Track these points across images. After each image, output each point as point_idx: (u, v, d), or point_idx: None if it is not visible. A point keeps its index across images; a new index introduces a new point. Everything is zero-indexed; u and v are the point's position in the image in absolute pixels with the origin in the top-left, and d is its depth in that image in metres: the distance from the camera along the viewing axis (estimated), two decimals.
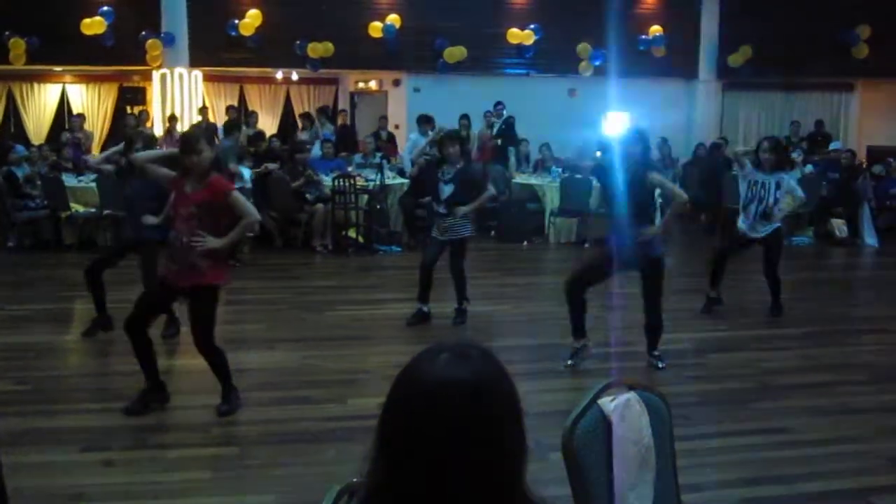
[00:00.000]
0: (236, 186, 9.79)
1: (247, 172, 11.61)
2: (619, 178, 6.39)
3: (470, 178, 7.88)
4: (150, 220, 7.12)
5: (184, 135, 5.69)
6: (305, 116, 15.98)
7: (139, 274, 7.43)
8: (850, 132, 17.74)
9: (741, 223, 8.19)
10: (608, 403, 2.50)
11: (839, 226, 13.02)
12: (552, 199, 12.90)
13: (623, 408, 2.50)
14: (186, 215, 5.35)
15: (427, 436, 1.45)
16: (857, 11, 16.46)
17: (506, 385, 1.53)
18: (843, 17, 16.48)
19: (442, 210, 7.81)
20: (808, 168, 14.38)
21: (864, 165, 15.08)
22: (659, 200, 7.67)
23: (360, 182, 12.08)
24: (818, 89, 18.15)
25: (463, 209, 7.67)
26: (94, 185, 11.51)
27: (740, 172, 8.25)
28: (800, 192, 8.22)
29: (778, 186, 7.98)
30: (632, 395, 2.56)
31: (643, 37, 17.14)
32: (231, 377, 5.62)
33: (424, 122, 13.83)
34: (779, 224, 8.16)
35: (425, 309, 7.97)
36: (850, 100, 18.05)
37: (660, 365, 6.64)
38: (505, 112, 15.02)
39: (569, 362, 6.66)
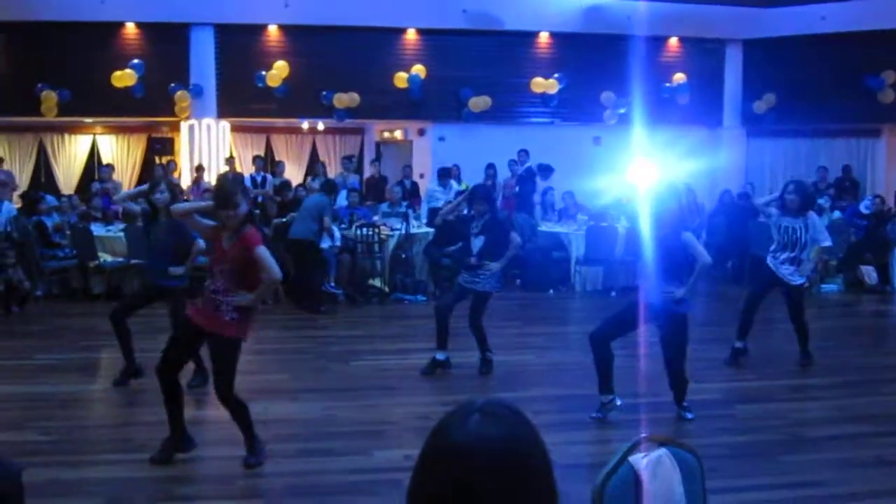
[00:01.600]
0: (324, 245, 9.86)
1: (337, 232, 11.69)
2: (653, 233, 6.35)
3: (497, 227, 7.87)
4: (177, 271, 7.15)
5: (220, 188, 5.61)
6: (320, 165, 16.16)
7: (169, 322, 7.41)
8: (878, 177, 17.61)
9: (769, 261, 8.10)
10: (639, 460, 2.45)
11: (869, 272, 12.87)
12: (578, 248, 12.86)
13: (655, 465, 2.45)
14: (220, 270, 5.36)
15: (464, 497, 1.45)
16: (881, 56, 16.42)
17: (538, 442, 1.55)
18: (868, 63, 16.44)
19: (474, 262, 7.78)
20: (836, 214, 14.27)
21: (893, 211, 14.93)
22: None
23: (384, 231, 12.11)
24: (844, 135, 18.08)
25: (495, 265, 7.66)
26: (122, 234, 11.63)
27: (770, 221, 8.19)
28: (826, 240, 8.11)
29: (806, 229, 7.91)
30: (663, 451, 2.51)
31: (667, 84, 17.19)
32: (254, 428, 5.55)
33: (444, 174, 13.91)
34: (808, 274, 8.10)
35: (440, 357, 7.90)
36: (876, 145, 17.94)
37: (688, 416, 6.54)
38: (528, 160, 15.04)
39: (596, 415, 6.58)
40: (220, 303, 5.30)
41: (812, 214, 8.08)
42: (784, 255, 7.96)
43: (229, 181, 5.92)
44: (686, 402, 6.61)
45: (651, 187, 6.75)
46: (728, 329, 9.38)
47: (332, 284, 11.68)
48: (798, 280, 8.00)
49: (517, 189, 15.01)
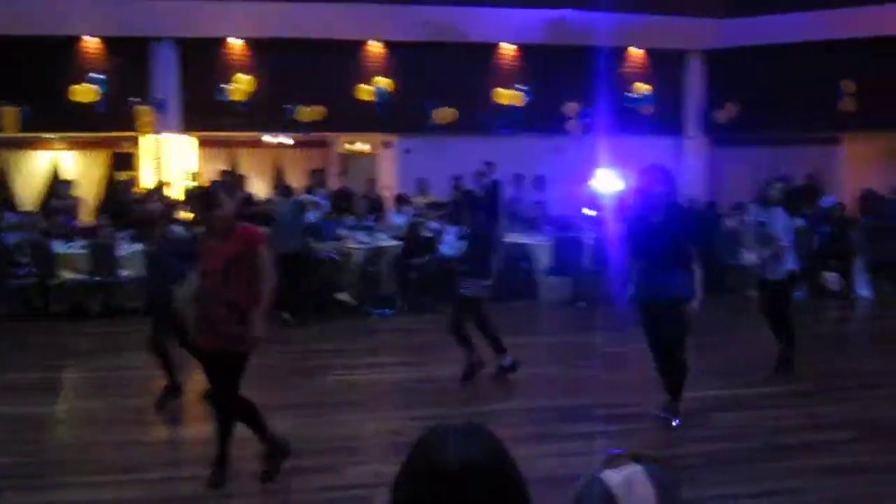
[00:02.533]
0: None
1: None
2: (646, 221, 6.31)
3: (479, 239, 7.93)
4: (182, 293, 6.97)
5: (202, 192, 5.65)
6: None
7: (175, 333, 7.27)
8: (839, 185, 17.81)
9: (758, 266, 8.09)
10: (613, 476, 2.40)
11: (832, 279, 12.99)
12: (543, 259, 12.86)
13: (628, 482, 2.40)
14: (213, 271, 5.24)
15: None
16: (841, 66, 16.64)
17: (512, 459, 1.60)
18: (828, 73, 16.66)
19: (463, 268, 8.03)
20: (799, 221, 14.39)
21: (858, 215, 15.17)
22: None
23: (350, 245, 12.04)
24: (805, 143, 18.28)
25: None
26: (84, 251, 11.44)
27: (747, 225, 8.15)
28: (785, 240, 8.04)
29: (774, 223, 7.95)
30: (637, 467, 2.46)
31: (630, 95, 17.30)
32: (267, 428, 5.45)
33: (400, 201, 13.91)
34: (791, 267, 8.06)
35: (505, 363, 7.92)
36: (837, 152, 18.16)
37: (674, 422, 6.49)
38: (494, 172, 15.00)
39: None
40: (216, 316, 5.19)
41: (781, 211, 8.05)
42: (759, 251, 7.95)
43: (211, 185, 5.85)
44: (678, 403, 6.55)
45: (634, 175, 6.60)
46: (700, 338, 9.40)
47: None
48: (777, 275, 7.98)
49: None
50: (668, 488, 2.53)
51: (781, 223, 7.98)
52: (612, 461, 2.48)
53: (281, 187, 12.82)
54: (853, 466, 5.75)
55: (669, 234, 6.23)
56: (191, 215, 14.71)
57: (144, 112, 15.41)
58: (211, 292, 5.23)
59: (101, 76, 15.24)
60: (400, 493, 1.53)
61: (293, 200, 11.84)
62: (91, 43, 15.66)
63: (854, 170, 17.59)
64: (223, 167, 16.88)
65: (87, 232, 12.98)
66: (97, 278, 11.23)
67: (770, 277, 7.98)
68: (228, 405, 5.30)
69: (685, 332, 6.45)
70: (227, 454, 5.39)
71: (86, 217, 15.15)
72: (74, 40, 15.54)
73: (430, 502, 1.48)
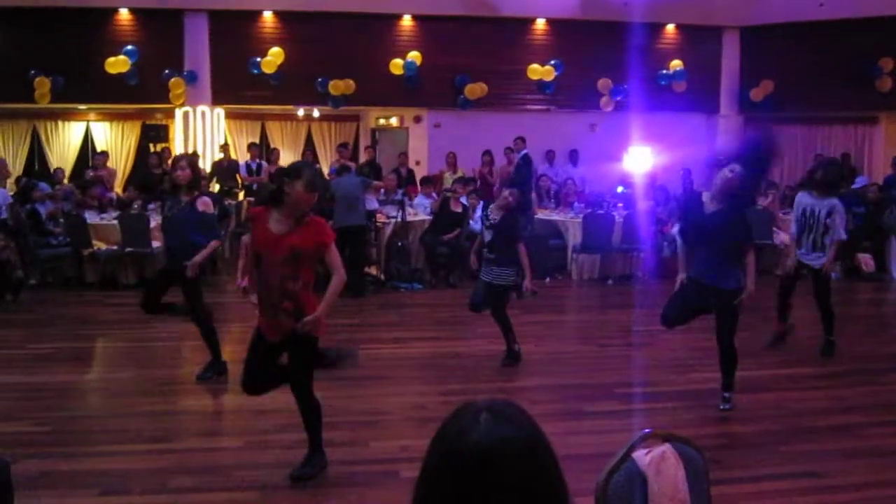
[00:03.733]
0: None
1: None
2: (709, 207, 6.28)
3: (507, 228, 7.74)
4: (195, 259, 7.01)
5: (290, 165, 5.19)
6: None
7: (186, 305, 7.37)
8: (875, 165, 17.57)
9: (798, 252, 7.94)
10: (643, 457, 2.41)
11: (866, 260, 12.84)
12: (574, 235, 12.81)
13: (659, 462, 2.40)
14: (278, 261, 4.89)
15: (485, 497, 1.46)
16: (879, 44, 16.36)
17: (545, 437, 1.57)
18: (865, 50, 16.39)
19: (489, 255, 7.75)
20: (834, 201, 14.21)
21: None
22: None
23: (380, 219, 12.05)
24: (841, 122, 18.05)
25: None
26: (115, 222, 11.55)
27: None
28: (842, 234, 7.93)
29: (829, 215, 7.73)
30: (667, 447, 2.46)
31: (664, 71, 17.13)
32: (321, 436, 5.24)
33: (425, 182, 13.91)
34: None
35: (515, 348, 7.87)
36: (873, 133, 17.90)
37: (726, 406, 6.46)
38: (525, 148, 14.93)
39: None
40: (281, 308, 4.94)
41: (837, 202, 7.85)
42: (804, 239, 7.81)
43: (311, 165, 5.53)
44: (729, 393, 6.50)
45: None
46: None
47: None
48: (820, 263, 7.84)
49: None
50: (697, 468, 2.54)
51: (841, 217, 7.84)
52: (643, 440, 2.49)
53: (337, 165, 12.98)
54: (877, 450, 5.70)
55: (728, 230, 6.17)
56: (217, 187, 14.83)
57: (177, 84, 15.48)
58: (272, 283, 4.94)
59: (134, 48, 15.32)
60: (430, 472, 1.52)
61: (357, 176, 11.87)
62: (124, 15, 15.74)
63: (891, 150, 17.28)
64: (252, 140, 16.97)
65: (121, 203, 13.12)
66: (129, 249, 11.33)
67: (816, 265, 7.86)
68: (300, 393, 5.11)
69: (735, 323, 6.40)
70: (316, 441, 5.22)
71: (118, 188, 15.31)
72: (109, 12, 15.64)
73: (464, 480, 1.47)
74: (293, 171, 4.93)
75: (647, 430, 2.52)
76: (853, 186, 14.90)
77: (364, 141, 18.04)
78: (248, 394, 5.35)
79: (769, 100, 17.22)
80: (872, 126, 17.87)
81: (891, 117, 17.56)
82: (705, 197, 6.44)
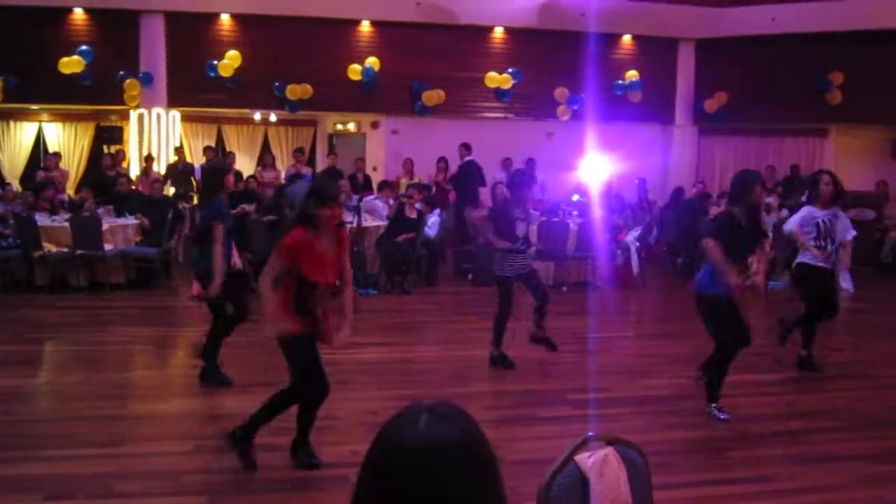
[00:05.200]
0: None
1: None
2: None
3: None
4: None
5: (324, 183, 5.26)
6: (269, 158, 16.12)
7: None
8: None
9: (816, 261, 7.90)
10: (586, 460, 2.44)
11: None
12: (529, 242, 12.84)
13: (601, 464, 2.43)
14: (330, 282, 5.13)
15: (422, 499, 1.45)
16: (829, 58, 16.70)
17: (486, 440, 1.55)
18: (816, 64, 16.71)
19: (522, 247, 7.95)
20: (784, 213, 14.45)
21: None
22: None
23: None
24: (792, 134, 18.36)
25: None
26: (67, 224, 11.39)
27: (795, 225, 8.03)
28: (851, 235, 8.11)
29: (836, 220, 7.92)
30: (609, 450, 2.50)
31: (620, 82, 17.30)
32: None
33: (382, 187, 13.90)
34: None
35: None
36: (824, 144, 18.24)
37: (721, 417, 6.51)
38: (470, 155, 14.92)
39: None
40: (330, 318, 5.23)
41: (840, 212, 8.07)
42: (829, 245, 7.90)
43: (327, 178, 5.58)
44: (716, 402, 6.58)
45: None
46: (679, 324, 9.50)
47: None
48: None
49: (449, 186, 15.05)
50: (640, 470, 2.58)
51: (844, 223, 8.09)
52: (586, 444, 2.52)
53: (291, 176, 12.90)
54: (823, 455, 5.80)
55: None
56: (171, 190, 14.68)
57: (132, 85, 15.33)
58: (326, 299, 5.18)
59: (88, 48, 15.14)
60: (368, 469, 1.52)
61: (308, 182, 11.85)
62: (79, 14, 15.56)
63: (840, 162, 17.61)
64: (209, 143, 16.85)
65: (72, 205, 12.94)
66: (80, 252, 11.18)
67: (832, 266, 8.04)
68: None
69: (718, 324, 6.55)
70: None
71: (70, 190, 15.11)
72: (64, 11, 15.44)
73: (397, 479, 1.46)
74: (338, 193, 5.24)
75: (590, 434, 2.54)
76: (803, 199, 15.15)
77: (321, 146, 17.99)
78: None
79: (723, 111, 17.49)
80: (823, 138, 18.20)
81: (840, 129, 17.91)
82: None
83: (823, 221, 7.85)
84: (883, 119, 16.68)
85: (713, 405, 6.53)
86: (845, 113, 16.95)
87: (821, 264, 7.85)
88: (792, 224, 8.00)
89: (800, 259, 7.98)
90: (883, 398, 7.33)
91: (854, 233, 8.15)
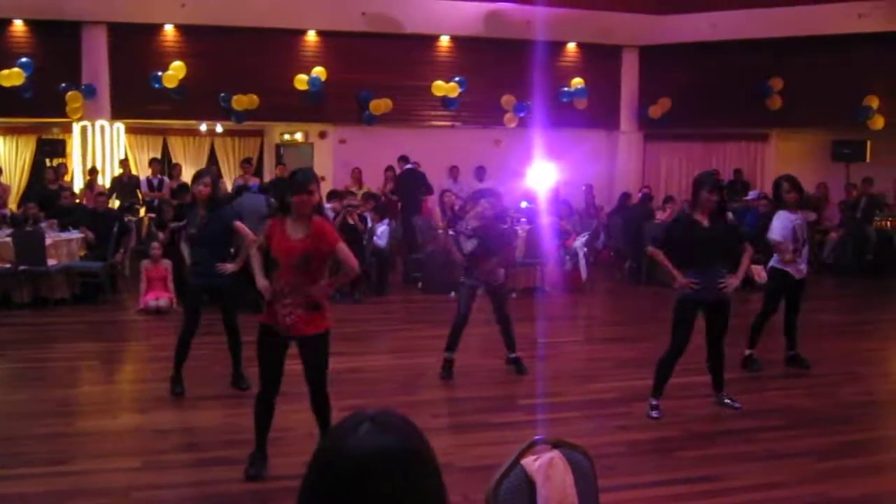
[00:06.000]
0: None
1: None
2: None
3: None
4: (228, 267, 7.07)
5: (296, 174, 5.38)
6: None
7: (224, 325, 7.35)
8: (767, 180, 18.24)
9: (788, 268, 8.10)
10: (532, 463, 2.47)
11: (758, 271, 13.25)
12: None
13: (546, 467, 2.47)
14: (291, 265, 5.18)
15: None
16: (769, 64, 17.06)
17: (429, 448, 1.55)
18: (756, 70, 17.06)
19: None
20: (728, 215, 14.69)
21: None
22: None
23: None
24: (735, 139, 18.70)
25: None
26: (9, 239, 11.18)
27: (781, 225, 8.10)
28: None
29: (802, 224, 8.13)
30: (555, 453, 2.54)
31: (566, 89, 17.47)
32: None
33: (331, 197, 13.85)
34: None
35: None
36: (765, 148, 18.60)
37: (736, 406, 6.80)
38: (408, 164, 14.94)
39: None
40: (296, 304, 5.18)
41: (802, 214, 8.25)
42: (804, 250, 8.11)
43: (303, 169, 5.65)
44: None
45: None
46: (626, 328, 9.62)
47: None
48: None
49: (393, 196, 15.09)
50: (586, 473, 2.62)
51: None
52: (532, 447, 2.56)
53: (237, 188, 12.78)
54: (769, 453, 5.92)
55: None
56: (117, 203, 14.50)
57: (74, 97, 15.12)
58: (288, 285, 5.18)
59: (29, 60, 14.91)
60: (309, 477, 1.53)
61: (261, 192, 11.80)
62: (18, 26, 15.33)
63: (782, 166, 17.99)
64: (154, 155, 16.68)
65: (14, 220, 12.72)
66: (23, 267, 10.98)
67: (801, 277, 8.21)
68: (323, 395, 5.38)
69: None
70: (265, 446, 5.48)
71: (12, 205, 14.85)
72: (3, 23, 15.21)
73: (337, 487, 1.47)
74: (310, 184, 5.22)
75: (537, 437, 2.58)
76: (746, 198, 15.49)
77: (268, 156, 17.90)
78: (266, 403, 5.40)
79: (667, 117, 17.77)
80: (764, 142, 18.57)
81: (781, 134, 18.29)
82: None
83: (796, 225, 8.05)
84: (822, 123, 17.08)
85: (653, 401, 6.71)
86: (786, 117, 17.33)
87: (789, 270, 8.06)
88: (776, 234, 8.03)
89: (773, 263, 8.18)
90: (827, 395, 7.49)
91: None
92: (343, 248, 5.35)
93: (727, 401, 6.97)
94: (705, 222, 6.62)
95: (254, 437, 5.45)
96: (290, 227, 5.24)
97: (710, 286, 6.57)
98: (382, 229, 12.89)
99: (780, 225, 8.04)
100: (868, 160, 16.02)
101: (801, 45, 16.58)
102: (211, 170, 7.92)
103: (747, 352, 8.28)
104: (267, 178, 16.50)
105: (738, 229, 7.44)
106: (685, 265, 6.61)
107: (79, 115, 15.43)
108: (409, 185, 14.64)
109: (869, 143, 16.26)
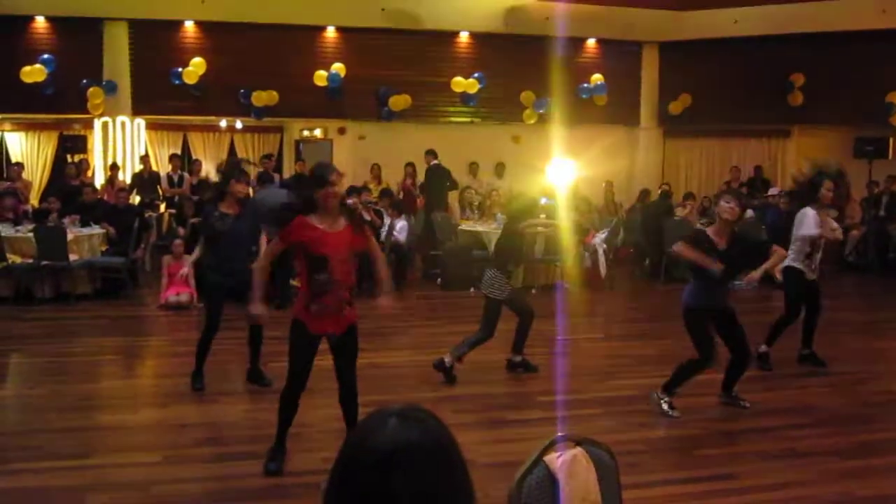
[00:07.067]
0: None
1: None
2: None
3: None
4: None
5: (315, 169, 5.39)
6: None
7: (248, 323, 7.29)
8: (788, 177, 18.11)
9: (802, 267, 8.02)
10: (555, 460, 2.46)
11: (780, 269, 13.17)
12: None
13: (570, 464, 2.46)
14: (342, 259, 5.17)
15: (388, 500, 1.46)
16: (791, 60, 16.93)
17: (455, 443, 1.56)
18: (778, 66, 16.93)
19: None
20: (749, 213, 14.61)
21: None
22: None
23: None
24: (756, 135, 18.57)
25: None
26: (31, 235, 11.26)
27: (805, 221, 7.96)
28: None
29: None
30: (578, 450, 2.52)
31: (585, 85, 17.40)
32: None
33: (350, 192, 13.81)
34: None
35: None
36: (786, 145, 18.46)
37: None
38: (436, 159, 14.90)
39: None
40: (342, 298, 5.23)
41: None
42: (818, 255, 8.07)
43: (320, 163, 5.65)
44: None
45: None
46: (647, 325, 9.59)
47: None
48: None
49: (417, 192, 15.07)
50: (609, 470, 2.61)
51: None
52: (554, 445, 2.54)
53: (263, 174, 12.72)
54: (792, 451, 5.89)
55: None
56: (137, 199, 14.55)
57: (95, 94, 15.20)
58: (339, 280, 5.18)
59: (51, 56, 14.99)
60: (335, 475, 1.53)
61: (283, 187, 11.79)
62: (41, 23, 15.41)
63: (803, 162, 17.87)
64: (174, 151, 16.74)
65: (36, 215, 12.80)
66: (45, 262, 11.05)
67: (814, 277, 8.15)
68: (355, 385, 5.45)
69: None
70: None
71: (34, 200, 14.94)
72: (25, 20, 15.29)
73: (366, 481, 1.47)
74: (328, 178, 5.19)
75: (559, 434, 2.57)
76: (766, 194, 15.40)
77: (288, 152, 17.90)
78: (293, 401, 5.48)
79: (687, 113, 17.67)
80: (785, 139, 18.42)
81: (802, 130, 18.13)
82: None
83: (822, 224, 7.95)
84: (844, 119, 16.91)
85: (666, 397, 6.63)
86: (807, 114, 17.18)
87: (804, 269, 7.98)
88: (812, 229, 7.85)
89: (789, 263, 8.00)
90: (849, 394, 7.44)
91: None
92: (374, 241, 5.54)
93: (734, 399, 6.90)
94: (723, 244, 6.49)
95: (274, 432, 5.46)
96: (322, 223, 5.15)
97: (719, 295, 6.54)
98: (401, 225, 12.89)
99: (813, 221, 7.85)
100: (890, 157, 15.86)
101: (822, 40, 16.44)
102: (243, 167, 7.82)
103: (763, 348, 8.19)
104: (287, 174, 16.50)
105: (759, 247, 7.29)
106: (697, 276, 6.56)
107: (100, 112, 15.51)
108: (435, 180, 14.64)
109: (891, 140, 16.11)
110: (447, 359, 7.59)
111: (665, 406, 6.62)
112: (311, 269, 5.17)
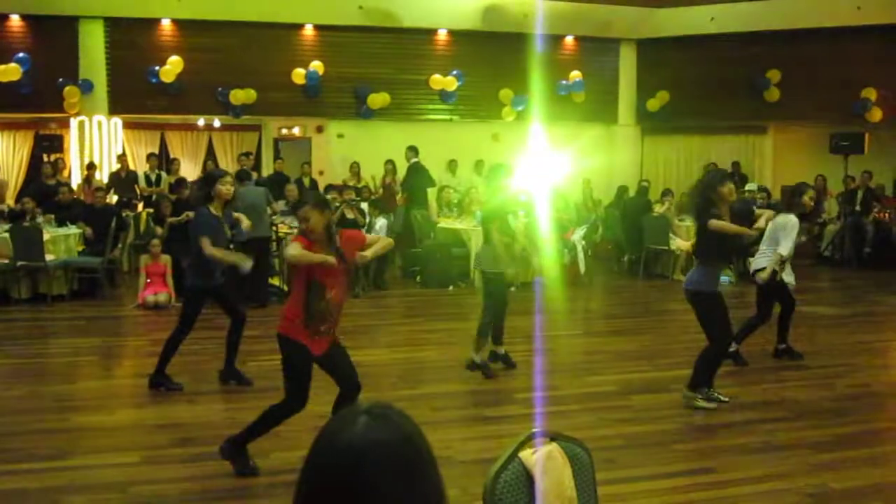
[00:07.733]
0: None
1: None
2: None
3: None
4: (248, 265, 7.09)
5: (315, 195, 5.64)
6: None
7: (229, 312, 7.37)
8: (765, 173, 18.24)
9: (787, 277, 8.26)
10: (530, 457, 2.47)
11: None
12: (477, 244, 12.90)
13: (545, 460, 2.47)
14: (341, 283, 5.17)
15: (360, 499, 1.45)
16: (766, 57, 17.04)
17: (425, 441, 1.56)
18: (754, 63, 17.04)
19: None
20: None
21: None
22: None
23: (283, 229, 11.95)
24: (733, 132, 18.67)
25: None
26: (7, 235, 11.17)
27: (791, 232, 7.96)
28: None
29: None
30: (553, 446, 2.53)
31: (563, 82, 17.44)
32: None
33: (330, 190, 13.80)
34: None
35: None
36: (763, 142, 18.58)
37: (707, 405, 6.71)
38: (416, 157, 14.89)
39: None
40: (338, 313, 5.24)
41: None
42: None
43: (311, 191, 5.66)
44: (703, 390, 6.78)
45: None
46: (626, 322, 9.63)
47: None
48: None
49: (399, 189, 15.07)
50: (584, 465, 2.61)
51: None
52: (530, 440, 2.55)
53: (241, 172, 12.63)
54: (768, 445, 5.93)
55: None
56: (115, 199, 14.45)
57: (71, 93, 15.09)
58: (339, 297, 5.17)
59: (26, 55, 14.87)
60: (305, 473, 1.53)
61: (259, 185, 11.81)
62: (16, 21, 15.29)
63: (779, 158, 18.05)
64: (152, 150, 16.66)
65: (12, 215, 12.69)
66: (21, 263, 10.96)
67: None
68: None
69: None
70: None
71: (9, 200, 14.82)
72: (0, 19, 15.14)
73: (335, 479, 1.47)
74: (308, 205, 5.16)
75: (535, 430, 2.58)
76: (743, 189, 15.47)
77: (266, 150, 17.86)
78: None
79: (665, 110, 17.76)
80: (762, 135, 18.54)
81: (778, 127, 18.26)
82: None
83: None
84: (820, 115, 17.05)
85: (699, 395, 6.68)
86: (783, 110, 17.31)
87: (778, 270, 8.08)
88: (788, 250, 7.89)
89: (764, 264, 8.08)
90: (825, 387, 7.51)
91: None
92: (367, 236, 5.61)
93: (715, 396, 6.92)
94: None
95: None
96: (320, 249, 5.07)
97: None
98: (381, 223, 12.88)
99: (793, 242, 7.91)
100: (866, 153, 16.00)
101: (798, 37, 16.57)
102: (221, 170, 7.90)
103: (734, 347, 8.24)
104: (265, 173, 16.45)
105: (747, 214, 7.50)
106: (707, 262, 6.64)
107: (76, 111, 15.40)
108: (417, 178, 14.62)
109: (867, 136, 16.24)
110: (476, 358, 7.68)
111: (703, 402, 6.66)
112: (312, 295, 5.09)
